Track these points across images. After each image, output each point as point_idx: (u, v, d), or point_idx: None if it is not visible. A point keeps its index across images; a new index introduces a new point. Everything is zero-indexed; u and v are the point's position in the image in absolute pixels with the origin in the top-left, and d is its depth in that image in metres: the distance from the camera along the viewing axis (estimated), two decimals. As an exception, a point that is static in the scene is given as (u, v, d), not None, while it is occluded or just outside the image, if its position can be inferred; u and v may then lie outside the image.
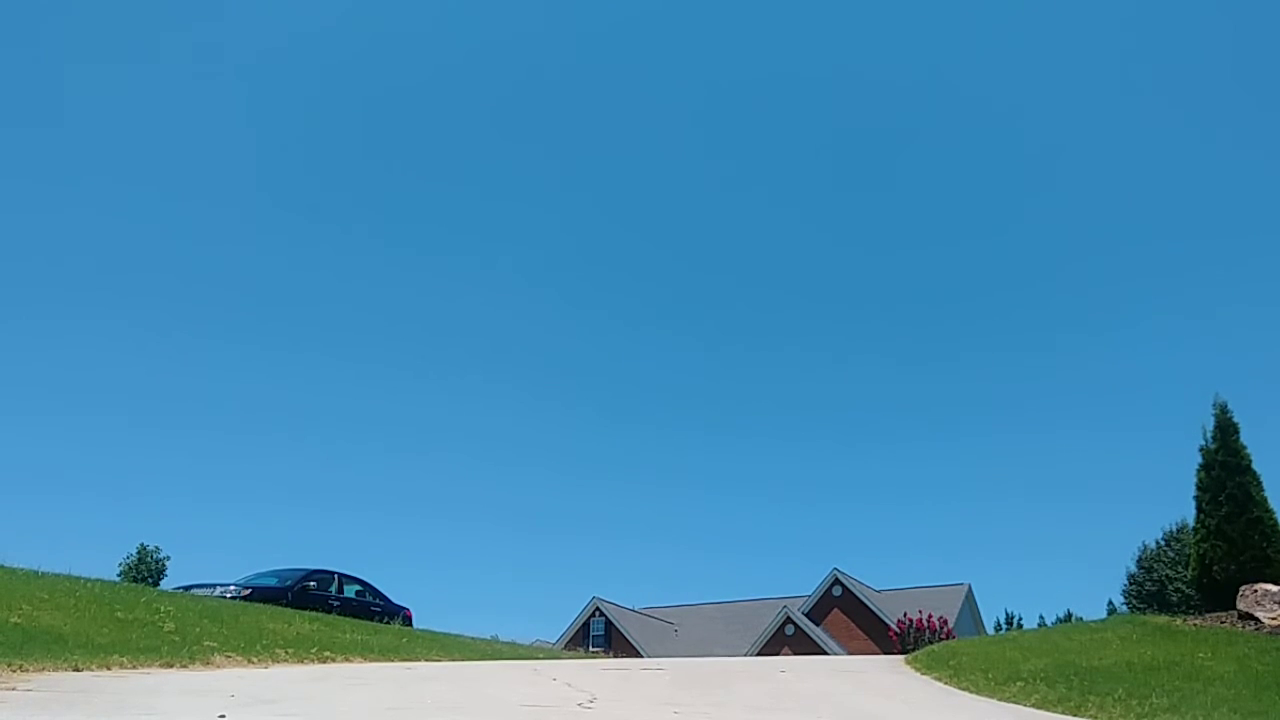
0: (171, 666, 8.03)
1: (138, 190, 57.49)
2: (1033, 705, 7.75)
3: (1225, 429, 14.17)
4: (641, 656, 30.83)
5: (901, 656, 13.83)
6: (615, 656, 27.12)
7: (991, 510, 62.98)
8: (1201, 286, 57.85)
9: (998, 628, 40.75)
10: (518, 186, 66.55)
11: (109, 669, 7.31)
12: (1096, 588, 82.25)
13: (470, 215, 67.00)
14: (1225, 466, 13.86)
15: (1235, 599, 12.48)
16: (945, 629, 22.90)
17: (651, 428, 69.33)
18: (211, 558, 55.70)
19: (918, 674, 10.57)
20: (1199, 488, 14.16)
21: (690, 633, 39.51)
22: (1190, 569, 14.70)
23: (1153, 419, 58.86)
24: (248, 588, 16.78)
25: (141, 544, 25.78)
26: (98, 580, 12.97)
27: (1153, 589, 35.02)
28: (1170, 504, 65.92)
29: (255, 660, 9.23)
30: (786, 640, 35.08)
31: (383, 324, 65.47)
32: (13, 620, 8.48)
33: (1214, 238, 58.44)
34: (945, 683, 9.59)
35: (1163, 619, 13.52)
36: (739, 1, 61.46)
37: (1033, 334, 64.76)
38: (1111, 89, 58.56)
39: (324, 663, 10.07)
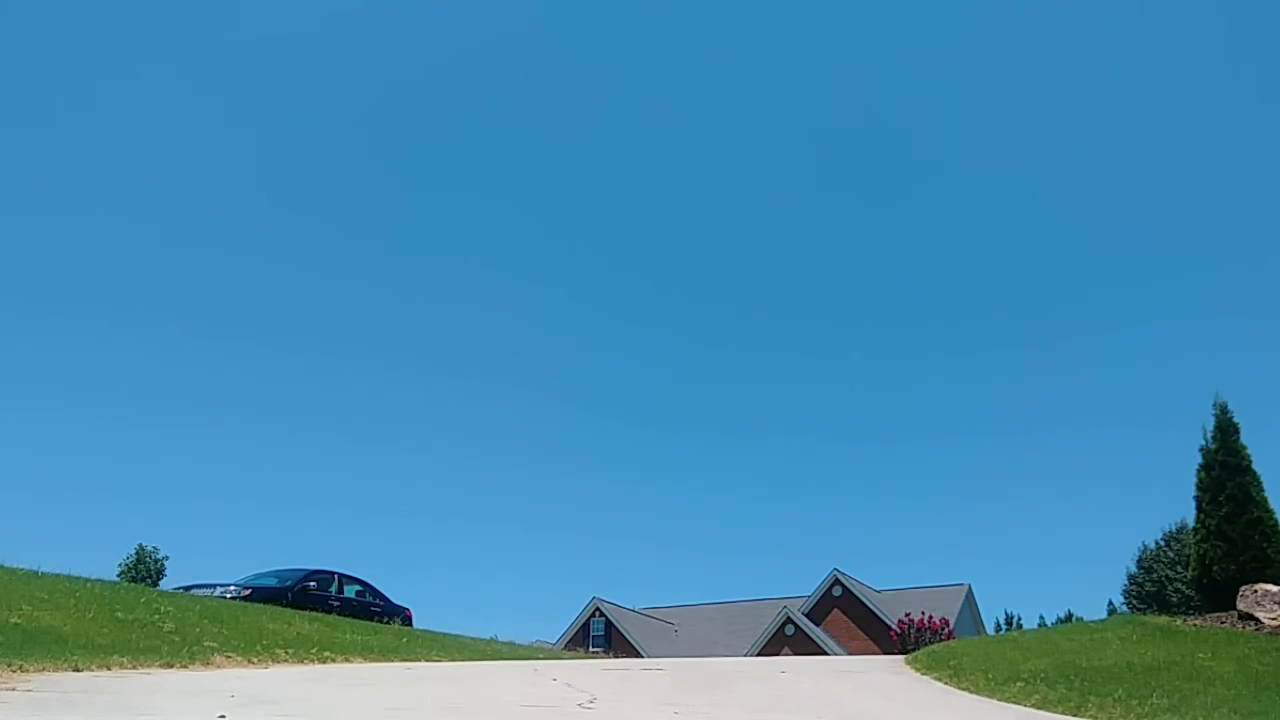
0: (171, 666, 8.03)
1: (137, 190, 57.54)
2: (1033, 706, 7.73)
3: (1225, 429, 14.16)
4: (641, 657, 30.82)
5: (902, 657, 13.82)
6: (615, 657, 27.11)
7: (991, 510, 63.09)
8: (1202, 288, 57.97)
9: (998, 628, 40.78)
10: (513, 187, 66.62)
11: (109, 669, 7.31)
12: (1096, 588, 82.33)
13: (468, 216, 67.03)
14: (1225, 467, 13.85)
15: (1235, 599, 12.47)
16: (946, 629, 22.86)
17: (652, 428, 69.43)
18: (211, 558, 55.79)
19: (918, 674, 10.55)
20: (1199, 488, 14.15)
21: (690, 633, 39.49)
22: (1190, 569, 14.69)
23: (1153, 419, 58.98)
24: (248, 588, 16.79)
25: (140, 544, 25.82)
26: (98, 580, 12.97)
27: (1153, 589, 35.05)
28: (1170, 504, 66.05)
29: (255, 660, 9.23)
30: (787, 641, 35.08)
31: (382, 324, 65.57)
32: (13, 620, 8.48)
33: (1214, 239, 58.55)
34: (945, 683, 9.57)
35: (1163, 619, 13.51)
36: None
37: (1033, 334, 64.87)
38: (1115, 91, 58.64)
39: (324, 663, 10.07)
